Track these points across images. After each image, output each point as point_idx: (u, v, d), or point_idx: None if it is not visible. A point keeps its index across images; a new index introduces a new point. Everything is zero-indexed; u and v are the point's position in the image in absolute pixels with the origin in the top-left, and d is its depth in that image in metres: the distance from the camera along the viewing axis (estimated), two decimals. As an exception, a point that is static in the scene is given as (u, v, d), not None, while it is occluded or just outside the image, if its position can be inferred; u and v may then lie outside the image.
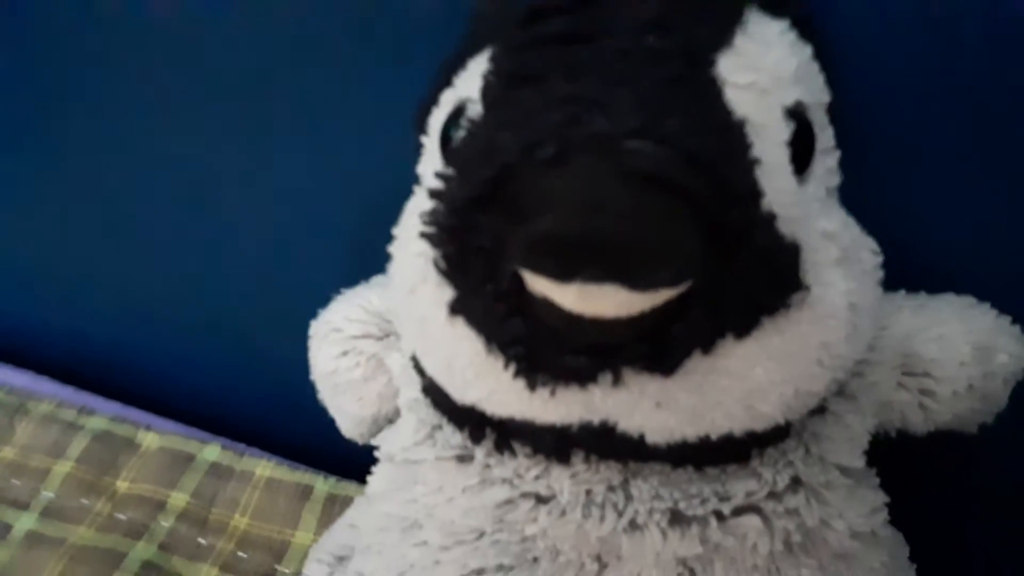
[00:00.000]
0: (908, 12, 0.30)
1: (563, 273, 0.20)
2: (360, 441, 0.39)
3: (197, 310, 0.52)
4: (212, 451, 0.50)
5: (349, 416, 0.38)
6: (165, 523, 0.47)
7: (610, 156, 0.20)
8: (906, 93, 0.31)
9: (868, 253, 0.25)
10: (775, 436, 0.26)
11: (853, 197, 0.31)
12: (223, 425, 0.53)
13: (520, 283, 0.22)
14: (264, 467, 0.50)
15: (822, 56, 0.26)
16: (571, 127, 0.20)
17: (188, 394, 0.55)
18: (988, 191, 0.33)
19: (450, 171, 0.23)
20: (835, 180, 0.26)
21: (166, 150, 0.46)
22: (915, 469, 0.39)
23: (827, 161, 0.25)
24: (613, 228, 0.20)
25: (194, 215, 0.48)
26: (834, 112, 0.26)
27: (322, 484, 0.49)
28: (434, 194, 0.23)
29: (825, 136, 0.25)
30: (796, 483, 0.27)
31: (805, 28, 0.26)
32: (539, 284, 0.21)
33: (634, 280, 0.20)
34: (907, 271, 0.34)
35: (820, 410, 0.27)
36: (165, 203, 0.48)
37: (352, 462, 0.44)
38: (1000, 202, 0.33)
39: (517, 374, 0.23)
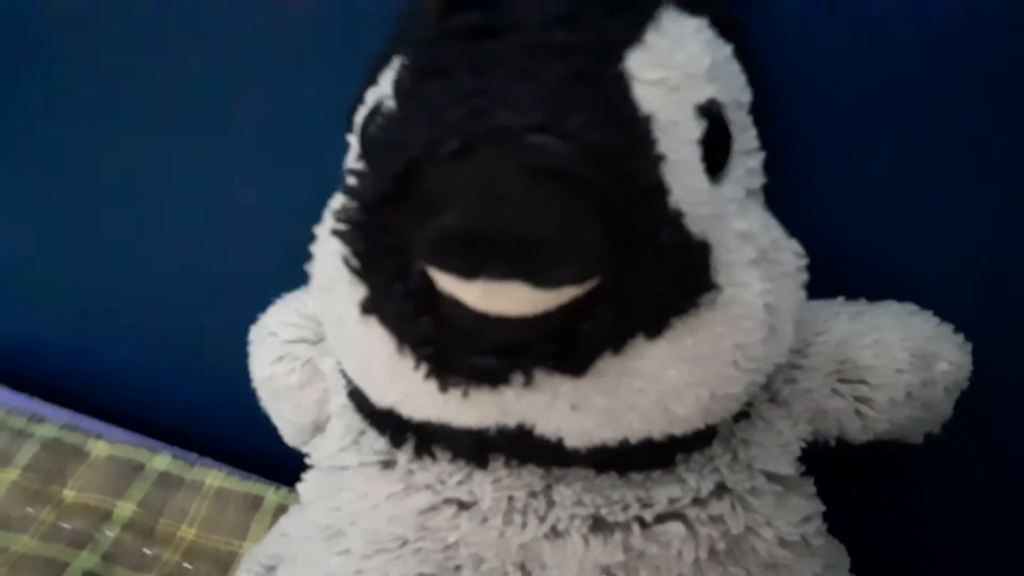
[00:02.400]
0: (847, 14, 0.30)
1: (467, 270, 0.20)
2: (302, 449, 0.38)
3: (150, 317, 0.51)
4: (162, 460, 0.50)
5: (289, 423, 0.37)
6: (110, 533, 0.46)
7: (512, 150, 0.20)
8: (846, 100, 0.31)
9: (790, 255, 0.25)
10: (699, 441, 0.26)
11: (794, 201, 0.31)
12: (177, 433, 0.52)
13: (430, 281, 0.22)
14: (215, 477, 0.49)
15: (747, 56, 0.26)
16: (475, 121, 0.20)
17: (142, 402, 0.54)
18: (936, 196, 0.33)
19: (362, 167, 0.22)
20: (757, 181, 0.26)
21: (116, 159, 0.46)
22: (864, 480, 0.38)
23: (748, 162, 0.25)
24: (515, 224, 0.20)
25: (144, 224, 0.48)
26: (759, 113, 0.26)
27: (272, 495, 0.48)
28: (346, 190, 0.23)
29: (745, 137, 0.25)
30: (721, 489, 0.26)
31: (728, 28, 0.25)
32: (445, 282, 0.21)
33: (538, 277, 0.20)
34: (850, 277, 0.34)
35: (747, 415, 0.27)
36: (115, 212, 0.48)
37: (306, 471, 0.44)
38: (948, 208, 0.33)
39: (428, 375, 0.23)
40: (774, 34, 0.29)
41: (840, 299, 0.32)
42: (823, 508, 0.30)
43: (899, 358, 0.30)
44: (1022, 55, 0.29)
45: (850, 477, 0.35)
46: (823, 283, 0.32)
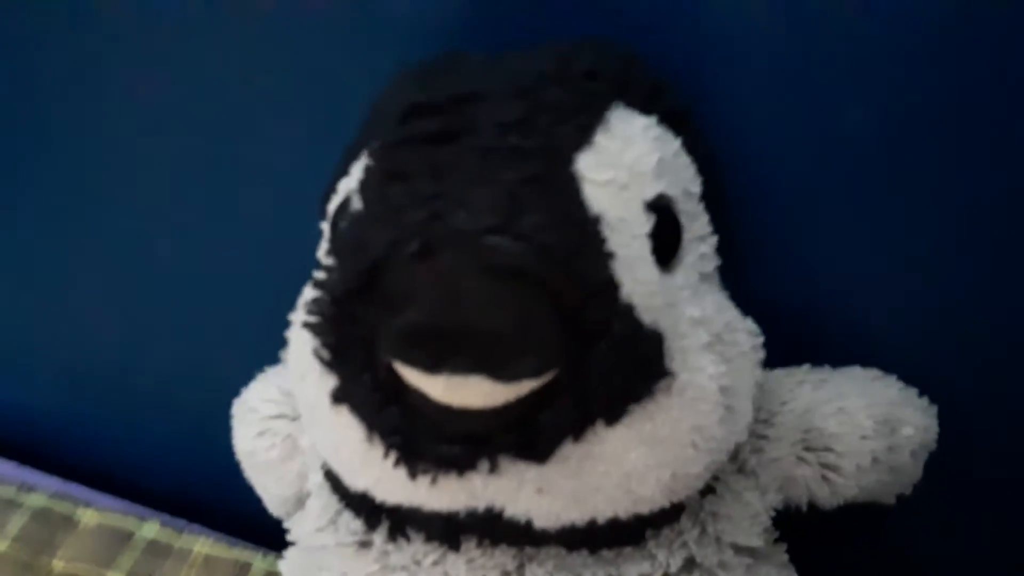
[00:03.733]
0: (797, 97, 0.31)
1: (430, 365, 0.21)
2: (286, 520, 0.39)
3: (140, 384, 0.52)
4: (151, 528, 0.50)
5: (272, 495, 0.38)
6: (99, 604, 0.46)
7: (470, 251, 0.21)
8: (799, 173, 0.32)
9: (744, 335, 0.26)
10: (666, 518, 0.26)
11: (755, 271, 0.32)
12: (166, 498, 0.53)
13: (396, 373, 0.22)
14: (202, 544, 0.49)
15: (697, 145, 0.27)
16: (434, 224, 0.21)
17: (131, 468, 0.55)
18: (898, 260, 0.34)
19: (331, 262, 0.23)
20: (710, 265, 0.27)
21: (105, 227, 0.47)
22: (839, 542, 0.39)
23: (700, 248, 0.26)
24: (474, 321, 0.20)
25: (133, 292, 0.48)
26: (712, 198, 0.27)
27: (260, 562, 0.48)
28: (316, 284, 0.24)
29: (697, 224, 0.26)
30: (691, 564, 0.27)
31: (677, 120, 0.27)
32: (410, 375, 0.22)
33: (497, 371, 0.21)
34: (816, 344, 0.34)
35: (713, 490, 0.28)
36: (104, 280, 0.49)
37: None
38: (912, 272, 0.34)
39: (397, 462, 0.23)
40: (725, 117, 0.31)
41: (805, 366, 0.32)
42: (795, 575, 0.30)
43: (864, 425, 0.30)
44: (976, 130, 0.30)
45: (824, 540, 0.36)
46: (788, 350, 0.33)
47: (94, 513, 0.50)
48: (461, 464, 0.23)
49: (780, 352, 0.31)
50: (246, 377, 0.40)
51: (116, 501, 0.52)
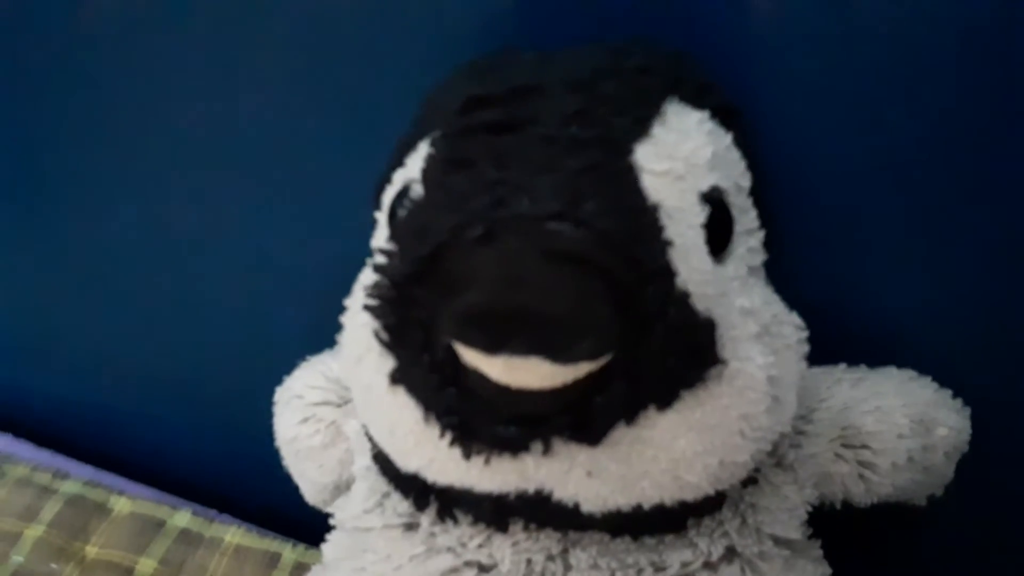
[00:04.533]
0: (839, 97, 0.32)
1: (490, 345, 0.22)
2: (323, 508, 0.39)
3: (174, 374, 0.53)
4: (182, 517, 0.51)
5: (311, 482, 0.38)
6: (132, 589, 0.47)
7: (532, 236, 0.21)
8: (843, 172, 0.33)
9: (791, 328, 0.27)
10: (709, 506, 0.27)
11: (796, 270, 0.33)
12: (197, 489, 0.53)
13: (455, 355, 0.23)
14: (233, 534, 0.50)
15: (746, 142, 0.28)
16: (497, 209, 0.22)
17: (164, 458, 0.55)
18: (932, 263, 0.34)
19: (391, 247, 0.24)
20: (758, 259, 0.27)
21: (142, 214, 0.47)
22: (870, 542, 0.39)
23: (749, 241, 0.27)
24: (534, 303, 0.21)
25: (169, 280, 0.49)
26: (759, 194, 0.28)
27: (290, 552, 0.49)
28: (377, 268, 0.25)
29: (747, 218, 0.27)
30: (731, 553, 0.27)
31: (727, 116, 0.27)
32: (469, 356, 0.23)
33: (555, 353, 0.21)
34: (852, 344, 0.35)
35: (755, 481, 0.28)
36: (141, 269, 0.49)
37: (325, 528, 0.44)
38: (945, 274, 0.34)
39: (453, 442, 0.24)
40: (774, 114, 0.31)
41: (842, 366, 0.33)
42: (830, 571, 0.31)
43: (900, 424, 0.31)
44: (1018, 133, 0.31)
45: (857, 539, 0.36)
46: (825, 350, 0.33)
47: (127, 501, 0.51)
48: (515, 445, 0.24)
49: (817, 353, 0.32)
50: (278, 370, 0.41)
51: (149, 490, 0.53)
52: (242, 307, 0.48)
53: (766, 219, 0.28)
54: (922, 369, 0.34)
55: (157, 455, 0.56)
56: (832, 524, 0.33)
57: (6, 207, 0.51)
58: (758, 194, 0.28)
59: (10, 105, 0.47)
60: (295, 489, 0.41)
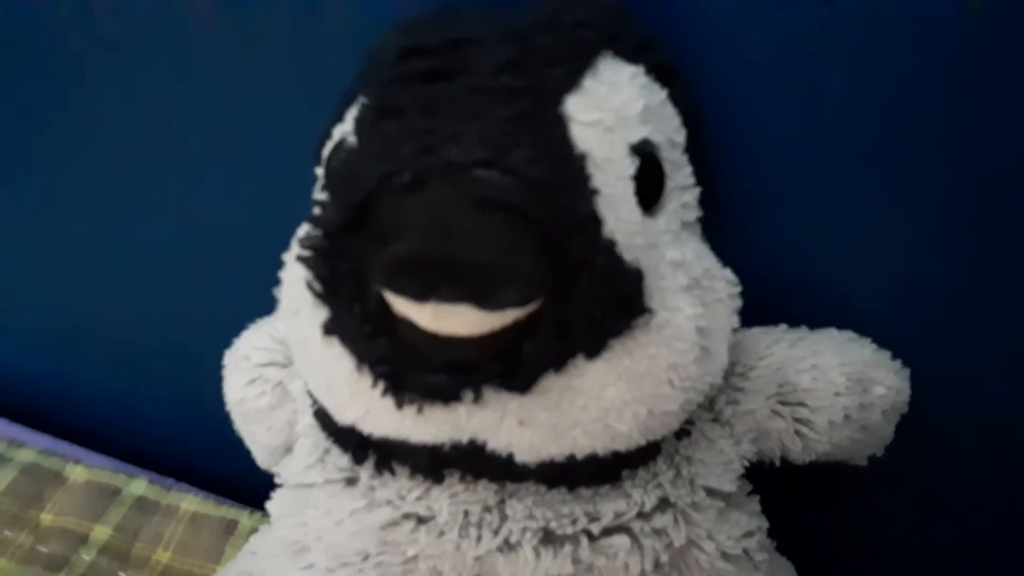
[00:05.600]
0: (783, 61, 0.32)
1: (418, 293, 0.22)
2: (275, 472, 0.39)
3: (129, 344, 0.53)
4: (139, 485, 0.50)
5: (261, 445, 0.38)
6: (86, 556, 0.47)
7: (459, 184, 0.22)
8: (784, 134, 0.33)
9: (722, 283, 0.27)
10: (642, 457, 0.27)
11: (738, 233, 0.33)
12: (154, 459, 0.53)
13: (386, 304, 0.23)
14: (190, 502, 0.50)
15: (682, 100, 0.28)
16: (426, 157, 0.22)
17: (120, 428, 0.55)
18: (875, 225, 0.35)
19: (324, 197, 0.24)
20: (692, 215, 0.28)
21: (93, 182, 0.47)
22: (815, 504, 0.40)
23: (683, 197, 0.27)
24: (462, 251, 0.21)
25: (122, 249, 0.49)
26: (696, 152, 0.28)
27: (247, 519, 0.49)
28: (310, 220, 0.25)
29: (680, 174, 0.27)
30: (664, 504, 0.28)
31: (664, 74, 0.27)
32: (399, 304, 0.23)
33: (483, 300, 0.22)
34: (794, 307, 0.35)
35: (689, 434, 0.29)
36: (93, 237, 0.49)
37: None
38: (888, 237, 0.35)
39: (385, 392, 0.24)
40: (717, 70, 0.32)
41: (782, 326, 0.33)
42: (766, 524, 0.31)
43: (836, 382, 0.31)
44: (958, 93, 0.31)
45: (801, 500, 0.37)
46: (766, 310, 0.34)
47: (83, 470, 0.51)
48: (446, 394, 0.24)
49: (754, 316, 0.32)
50: (232, 338, 0.41)
51: (105, 459, 0.53)
52: (196, 274, 0.48)
53: (703, 177, 0.28)
54: (862, 331, 0.34)
55: (114, 426, 0.56)
56: (777, 482, 0.33)
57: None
58: (695, 152, 0.28)
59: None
60: (249, 457, 0.41)
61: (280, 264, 0.32)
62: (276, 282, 0.33)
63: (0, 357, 0.57)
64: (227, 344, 0.41)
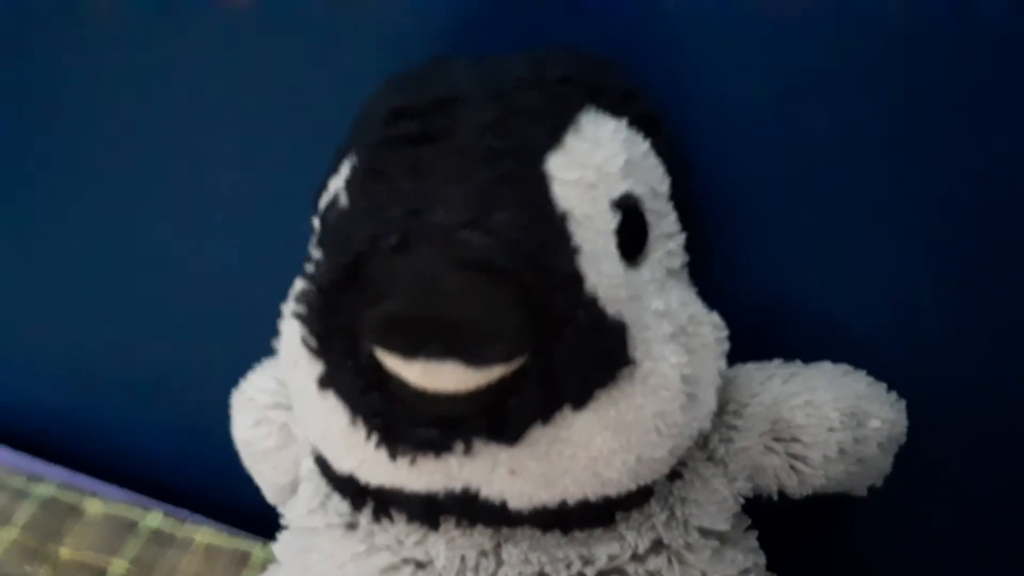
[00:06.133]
0: (767, 101, 0.32)
1: (407, 351, 0.23)
2: (283, 508, 0.40)
3: (146, 378, 0.54)
4: (154, 518, 0.51)
5: (269, 483, 0.39)
6: (104, 590, 0.48)
7: (444, 245, 0.22)
8: (772, 168, 0.34)
9: (708, 328, 0.27)
10: (635, 501, 0.28)
11: (733, 269, 0.33)
12: (169, 490, 0.54)
13: (377, 360, 0.24)
14: (204, 534, 0.51)
15: (667, 148, 0.28)
16: (412, 219, 0.23)
17: (136, 460, 0.56)
18: (868, 256, 0.35)
19: (318, 255, 0.25)
20: (677, 261, 0.28)
21: (115, 222, 0.48)
22: (814, 534, 0.40)
23: (668, 245, 0.27)
24: (448, 310, 0.22)
25: (141, 286, 0.50)
26: (681, 198, 0.28)
27: (260, 551, 0.50)
28: (305, 276, 0.25)
29: (665, 222, 0.28)
30: (658, 545, 0.28)
31: (648, 124, 0.28)
32: (389, 361, 0.23)
33: (469, 357, 0.22)
34: (788, 342, 0.36)
35: (679, 475, 0.29)
36: (114, 275, 0.50)
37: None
38: (881, 267, 0.35)
39: (378, 444, 0.25)
40: (702, 111, 0.32)
41: (776, 361, 0.34)
42: (763, 560, 0.32)
43: (830, 417, 0.31)
44: (938, 122, 0.32)
45: (800, 531, 0.37)
46: (760, 343, 0.34)
47: (100, 503, 0.52)
48: (437, 446, 0.24)
49: (750, 349, 0.33)
50: (245, 372, 0.42)
51: (121, 492, 0.54)
52: (212, 311, 0.49)
53: (690, 222, 0.29)
54: (857, 364, 0.35)
55: (129, 457, 0.57)
56: (776, 514, 0.34)
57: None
58: (681, 197, 0.28)
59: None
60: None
61: (282, 304, 0.33)
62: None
63: (17, 393, 0.58)
64: (237, 380, 0.42)
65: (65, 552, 0.50)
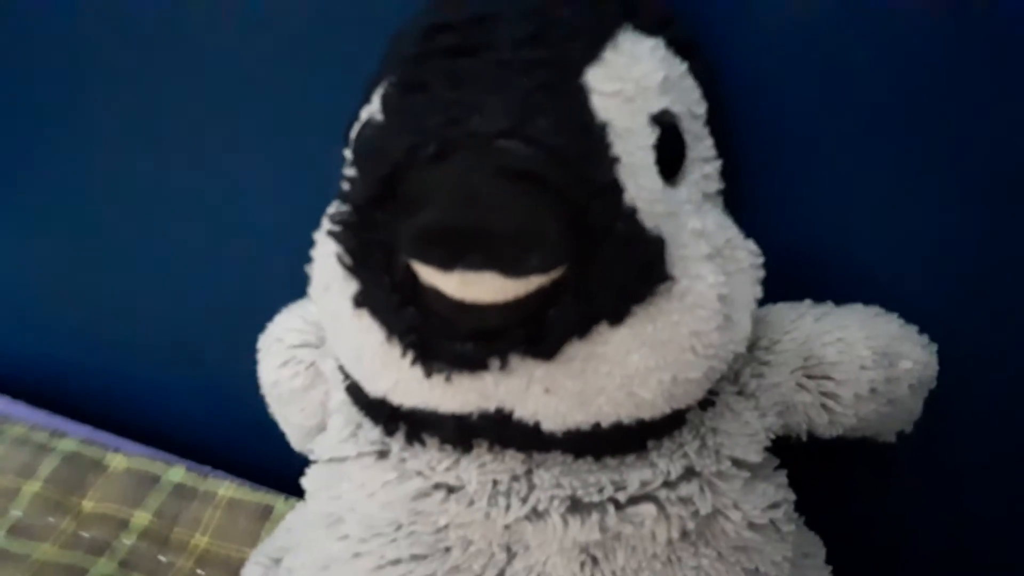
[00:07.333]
0: (804, 33, 0.32)
1: (444, 261, 0.23)
2: (309, 455, 0.40)
3: (166, 336, 0.54)
4: (177, 472, 0.52)
5: (295, 427, 0.39)
6: (127, 541, 0.48)
7: (483, 153, 0.22)
8: (811, 108, 0.33)
9: (745, 253, 0.27)
10: (668, 427, 0.28)
11: (761, 206, 0.33)
12: (191, 448, 0.55)
13: (414, 274, 0.24)
14: (226, 488, 0.51)
15: (703, 74, 0.28)
16: (451, 128, 0.23)
17: (157, 418, 0.57)
18: (900, 199, 0.35)
19: (352, 172, 0.25)
20: (714, 186, 0.28)
21: (131, 177, 0.49)
22: (845, 480, 0.40)
23: (704, 168, 0.27)
24: (487, 219, 0.22)
25: (161, 243, 0.50)
26: (717, 125, 0.28)
27: (282, 504, 0.50)
28: (339, 195, 0.25)
29: (702, 146, 0.27)
30: (690, 473, 0.28)
31: (684, 48, 0.28)
32: (426, 273, 0.23)
33: (507, 267, 0.22)
34: (818, 280, 0.35)
35: (713, 404, 0.29)
36: (131, 231, 0.51)
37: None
38: (917, 213, 0.35)
39: (414, 361, 0.25)
40: (737, 43, 0.32)
41: (807, 301, 0.33)
42: (793, 497, 0.31)
43: (862, 355, 0.31)
44: (981, 66, 0.31)
45: (833, 477, 0.37)
46: (792, 286, 0.34)
47: (123, 458, 0.53)
48: (473, 362, 0.24)
49: (781, 290, 0.32)
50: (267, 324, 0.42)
51: (144, 448, 0.54)
52: (231, 265, 0.49)
53: (725, 150, 0.29)
54: (888, 303, 0.34)
55: (152, 415, 0.57)
56: (806, 460, 0.33)
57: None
58: (716, 124, 0.28)
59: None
60: (284, 445, 0.42)
61: (305, 261, 0.33)
62: (304, 278, 0.34)
63: (41, 350, 0.58)
64: (260, 332, 0.42)
65: (88, 504, 0.50)
